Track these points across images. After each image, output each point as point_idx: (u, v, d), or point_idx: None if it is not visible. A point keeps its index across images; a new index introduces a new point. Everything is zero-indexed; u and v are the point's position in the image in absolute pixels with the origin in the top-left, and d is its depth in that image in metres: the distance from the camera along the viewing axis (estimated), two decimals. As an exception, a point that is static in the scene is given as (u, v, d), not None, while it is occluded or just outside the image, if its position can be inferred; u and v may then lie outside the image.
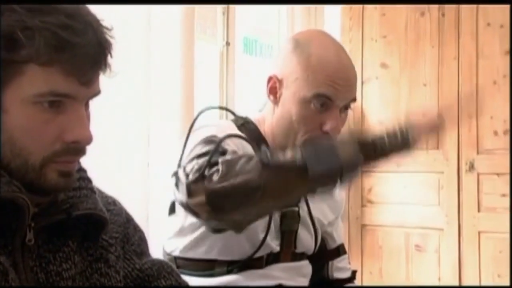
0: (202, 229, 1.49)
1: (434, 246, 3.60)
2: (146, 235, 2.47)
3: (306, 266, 1.62)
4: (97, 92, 0.96)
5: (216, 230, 1.33)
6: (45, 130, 0.90)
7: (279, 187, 1.20)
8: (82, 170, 1.05)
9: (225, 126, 1.53)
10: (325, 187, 1.23)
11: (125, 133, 2.42)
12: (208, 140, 1.36)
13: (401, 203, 3.70)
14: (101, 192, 1.13)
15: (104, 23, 0.95)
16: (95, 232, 1.03)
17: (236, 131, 1.51)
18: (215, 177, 1.20)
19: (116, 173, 2.38)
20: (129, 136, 2.44)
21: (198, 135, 1.43)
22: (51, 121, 0.90)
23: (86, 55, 0.90)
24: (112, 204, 1.14)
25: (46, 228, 0.96)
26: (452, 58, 3.60)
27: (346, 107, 1.51)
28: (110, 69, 0.96)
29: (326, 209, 1.65)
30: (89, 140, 0.94)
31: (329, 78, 1.46)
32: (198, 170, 1.23)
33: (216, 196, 1.19)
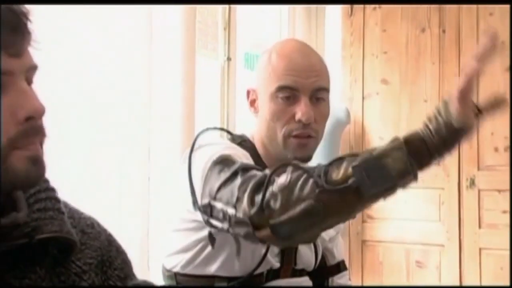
0: (202, 245, 1.49)
1: (435, 262, 3.58)
2: (146, 249, 2.48)
3: (306, 282, 1.61)
4: (32, 65, 0.90)
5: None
6: None
7: (338, 209, 1.21)
8: (49, 189, 0.98)
9: (227, 143, 1.54)
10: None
11: (126, 147, 2.42)
12: (221, 160, 1.37)
13: (401, 219, 3.69)
14: (78, 213, 1.06)
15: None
16: (64, 257, 0.96)
17: (238, 148, 1.52)
18: (276, 206, 1.21)
19: (116, 188, 2.38)
20: (130, 151, 2.43)
21: (204, 155, 1.43)
22: None
23: (3, 24, 0.85)
24: (90, 226, 1.06)
25: (9, 253, 0.89)
26: (453, 75, 3.60)
27: (318, 98, 1.51)
28: (34, 38, 0.91)
29: None
30: (41, 111, 0.87)
31: (288, 69, 1.50)
32: (251, 201, 1.24)
33: (281, 228, 1.21)
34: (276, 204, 1.21)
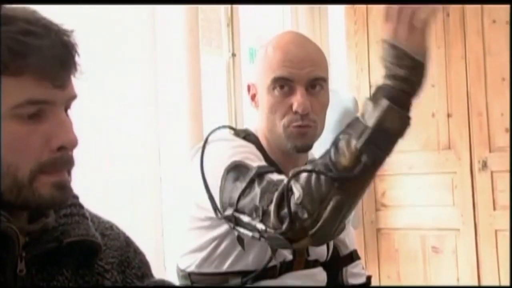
0: (216, 243, 1.50)
1: (451, 247, 3.57)
2: (161, 249, 2.48)
3: (320, 274, 1.61)
4: (73, 96, 0.94)
5: None
6: (29, 142, 0.88)
7: (361, 189, 1.25)
8: (73, 196, 1.03)
9: (236, 140, 1.54)
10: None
11: (136, 149, 2.43)
12: (234, 167, 1.38)
13: (415, 205, 3.68)
14: (97, 218, 1.11)
15: (65, 26, 0.93)
16: (89, 258, 1.01)
17: (246, 143, 1.53)
18: (304, 215, 1.22)
19: (129, 190, 2.38)
20: (140, 152, 2.44)
21: (214, 157, 1.45)
22: (34, 132, 0.89)
23: (53, 57, 0.88)
24: (109, 229, 1.12)
25: (39, 257, 0.94)
26: (459, 58, 3.59)
27: (314, 87, 1.52)
28: (80, 70, 0.95)
29: None
30: (74, 143, 0.92)
31: (282, 60, 1.51)
32: (278, 216, 1.25)
33: (321, 234, 1.24)
34: (304, 214, 1.22)
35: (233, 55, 3.06)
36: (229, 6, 3.05)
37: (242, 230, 1.34)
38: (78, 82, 0.95)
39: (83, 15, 2.13)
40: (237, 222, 1.34)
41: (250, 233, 1.32)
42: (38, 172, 0.89)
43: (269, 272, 1.51)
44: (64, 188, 0.93)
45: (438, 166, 3.62)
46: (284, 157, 1.56)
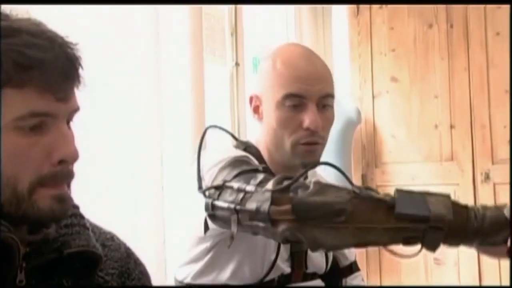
0: (212, 255, 1.49)
1: (453, 259, 3.56)
2: (162, 258, 2.47)
3: (318, 285, 1.61)
4: (76, 108, 0.95)
5: (287, 240, 1.27)
6: (30, 155, 0.88)
7: (363, 218, 1.19)
8: (74, 207, 1.03)
9: (237, 151, 1.54)
10: (411, 235, 1.22)
11: (138, 158, 2.43)
12: (239, 159, 1.41)
13: (417, 216, 3.66)
14: (98, 228, 1.11)
15: (69, 38, 0.94)
16: (89, 269, 1.00)
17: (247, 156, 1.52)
18: (303, 193, 1.19)
19: (131, 198, 2.38)
20: (142, 161, 2.44)
21: (216, 156, 1.44)
22: (35, 145, 0.89)
23: (56, 70, 0.89)
24: (110, 239, 1.11)
25: (39, 268, 0.93)
26: (462, 69, 3.59)
27: (324, 104, 1.51)
28: (83, 83, 0.95)
29: None
30: (75, 156, 0.92)
31: (294, 76, 1.49)
32: (278, 182, 1.22)
33: (303, 207, 1.18)
34: (304, 192, 1.19)
35: (237, 64, 3.06)
36: (233, 13, 3.05)
37: (220, 203, 1.27)
38: (82, 89, 0.96)
39: (87, 24, 2.14)
40: (220, 194, 1.29)
41: (226, 205, 1.26)
42: (37, 185, 0.89)
43: (266, 285, 1.51)
44: (64, 201, 0.92)
45: (440, 178, 3.62)
46: (286, 171, 1.53)
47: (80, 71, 0.93)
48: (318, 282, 1.61)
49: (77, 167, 0.95)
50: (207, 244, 1.49)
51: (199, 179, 1.39)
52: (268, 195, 1.20)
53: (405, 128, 3.71)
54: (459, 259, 3.54)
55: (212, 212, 1.31)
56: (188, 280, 1.54)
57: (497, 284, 3.41)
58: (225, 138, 1.66)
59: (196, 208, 1.46)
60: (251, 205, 1.22)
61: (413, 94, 3.72)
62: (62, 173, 0.91)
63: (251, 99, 1.59)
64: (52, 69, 0.88)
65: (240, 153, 1.51)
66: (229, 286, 1.50)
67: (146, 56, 2.49)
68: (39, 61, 0.87)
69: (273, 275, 1.51)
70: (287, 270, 1.53)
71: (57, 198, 0.91)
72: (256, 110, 1.58)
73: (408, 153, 3.71)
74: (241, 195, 1.25)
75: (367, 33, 3.87)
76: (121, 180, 2.34)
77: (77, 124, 0.98)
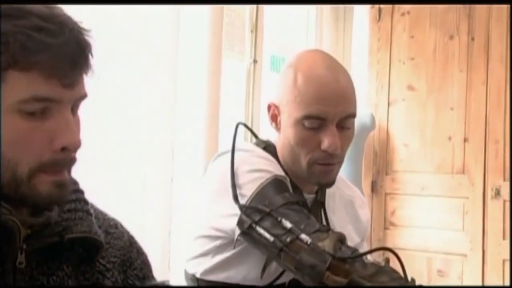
0: (226, 254, 1.49)
1: (457, 272, 3.55)
2: (167, 249, 2.48)
3: None
4: (82, 95, 0.93)
5: None
6: (31, 140, 0.87)
7: None
8: (78, 191, 1.02)
9: (261, 154, 1.53)
10: None
11: (150, 148, 2.43)
12: (278, 181, 1.42)
13: (424, 227, 3.66)
14: (103, 214, 1.10)
15: (82, 24, 0.92)
16: (90, 255, 1.00)
17: (272, 160, 1.52)
18: (361, 268, 1.28)
19: (140, 188, 2.39)
20: (154, 151, 2.44)
21: (246, 165, 1.44)
22: (37, 130, 0.87)
23: (64, 55, 0.87)
24: (114, 227, 1.10)
25: (39, 251, 0.93)
26: (480, 83, 3.57)
27: (344, 125, 1.46)
28: (92, 70, 0.93)
29: (352, 232, 1.63)
30: (77, 145, 0.90)
31: (315, 97, 1.42)
32: (335, 244, 1.29)
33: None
34: (362, 270, 1.26)
35: (255, 61, 3.06)
36: (254, 10, 3.05)
37: (261, 231, 1.32)
38: (96, 79, 0.95)
39: (107, 14, 2.14)
40: (262, 220, 1.33)
41: (271, 238, 1.31)
42: (37, 171, 0.88)
43: (277, 287, 1.50)
44: (63, 187, 0.91)
45: (450, 190, 3.60)
46: (301, 182, 1.53)
47: (90, 58, 0.91)
48: None
49: (89, 154, 0.94)
50: (221, 242, 1.49)
51: (234, 187, 1.40)
52: (327, 258, 1.26)
53: (419, 137, 3.69)
54: (463, 273, 3.53)
55: (247, 231, 1.35)
56: (198, 275, 1.54)
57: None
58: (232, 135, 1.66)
59: (217, 206, 1.46)
60: (305, 259, 1.28)
61: (429, 104, 3.70)
62: (64, 160, 0.90)
63: (269, 107, 1.53)
64: (59, 54, 0.86)
65: (269, 159, 1.50)
66: (240, 286, 1.50)
67: (166, 46, 2.49)
68: (46, 45, 0.85)
69: (285, 278, 1.50)
70: None
71: (57, 184, 0.90)
72: (274, 119, 1.53)
73: (419, 163, 3.69)
74: (290, 237, 1.30)
75: (387, 39, 3.85)
76: (132, 169, 2.35)
77: (92, 111, 0.97)
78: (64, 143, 0.89)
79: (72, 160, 0.92)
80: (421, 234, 3.65)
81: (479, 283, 3.46)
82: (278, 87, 1.52)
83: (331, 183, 1.51)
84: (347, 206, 1.64)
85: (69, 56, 0.87)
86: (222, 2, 2.60)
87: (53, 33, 0.86)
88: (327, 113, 1.42)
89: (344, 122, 1.45)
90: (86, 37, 0.91)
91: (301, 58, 1.51)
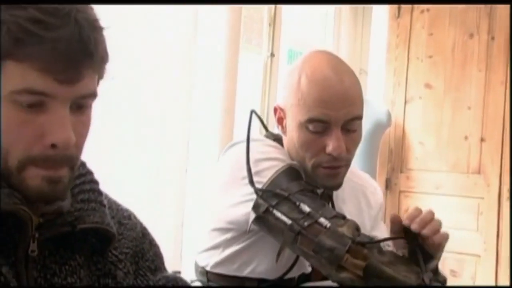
0: (235, 247, 1.49)
1: (470, 272, 3.52)
2: (179, 240, 2.48)
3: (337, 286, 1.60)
4: (86, 93, 0.89)
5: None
6: (22, 131, 0.85)
7: None
8: (93, 182, 1.01)
9: (271, 143, 1.53)
10: None
11: (165, 138, 2.43)
12: (294, 170, 1.43)
13: (438, 226, 3.63)
14: (116, 205, 1.09)
15: (98, 23, 0.89)
16: (102, 246, 0.99)
17: (281, 149, 1.52)
18: (379, 256, 1.30)
19: (154, 179, 2.39)
20: (169, 142, 2.45)
21: (259, 154, 1.44)
22: (30, 122, 0.86)
23: (60, 51, 0.84)
24: (127, 218, 1.10)
25: (52, 240, 0.92)
26: (499, 83, 3.53)
27: (350, 127, 1.43)
28: (100, 68, 0.91)
29: (365, 220, 1.61)
30: (67, 143, 0.87)
31: (318, 100, 1.40)
32: (354, 230, 1.32)
33: (374, 271, 1.28)
34: (379, 257, 1.28)
35: (272, 55, 3.05)
36: (273, 5, 3.04)
37: (279, 214, 1.33)
38: (118, 71, 0.92)
39: (127, 7, 2.14)
40: (279, 204, 1.33)
41: (288, 221, 1.32)
42: (27, 164, 0.87)
43: (286, 282, 1.50)
44: (56, 183, 0.89)
45: (465, 190, 3.57)
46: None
47: (95, 55, 0.88)
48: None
49: (104, 144, 0.93)
50: (231, 234, 1.49)
51: (249, 172, 1.39)
52: (346, 241, 1.28)
53: (435, 136, 3.67)
54: (476, 274, 3.50)
55: (263, 215, 1.35)
56: (208, 268, 1.54)
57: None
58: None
59: (226, 197, 1.46)
60: (324, 241, 1.28)
61: (446, 102, 3.67)
62: (55, 157, 0.87)
63: (275, 110, 1.52)
64: (54, 48, 0.83)
65: (279, 148, 1.51)
66: (250, 279, 1.50)
67: (184, 38, 2.49)
68: (40, 38, 0.83)
69: (294, 273, 1.50)
70: (308, 269, 1.53)
71: (48, 179, 0.88)
72: (280, 122, 1.52)
73: (435, 162, 3.67)
74: (308, 220, 1.31)
75: (406, 36, 3.82)
76: (147, 159, 2.35)
77: (105, 102, 0.96)
78: (54, 140, 0.86)
79: (66, 158, 0.89)
80: (435, 233, 3.62)
81: (492, 284, 3.43)
82: (283, 90, 1.50)
83: (336, 187, 1.50)
84: (359, 195, 1.63)
85: (67, 52, 0.84)
86: (239, 2, 2.59)
87: (50, 26, 0.84)
88: (330, 116, 1.40)
89: (349, 124, 1.43)
90: (96, 34, 0.88)
91: (306, 60, 1.48)
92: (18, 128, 0.86)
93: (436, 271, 1.39)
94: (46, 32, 0.83)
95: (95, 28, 0.89)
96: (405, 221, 1.32)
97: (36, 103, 0.86)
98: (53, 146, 0.87)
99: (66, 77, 0.85)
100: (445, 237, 1.35)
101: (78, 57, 0.86)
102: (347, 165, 1.48)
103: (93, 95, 0.91)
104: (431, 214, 1.34)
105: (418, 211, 1.33)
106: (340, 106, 1.40)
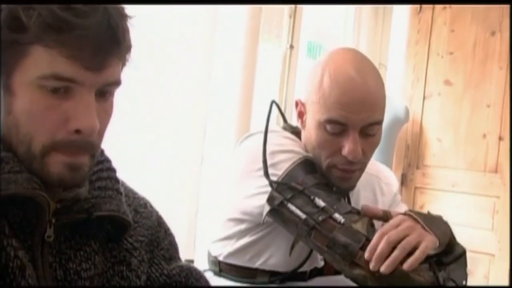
0: (248, 238, 1.49)
1: (483, 271, 3.51)
2: (193, 229, 2.49)
3: (349, 281, 1.60)
4: (112, 81, 0.91)
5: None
6: (48, 116, 0.87)
7: None
8: (110, 170, 1.02)
9: (288, 135, 1.53)
10: None
11: (182, 127, 2.44)
12: (309, 163, 1.43)
13: (453, 223, 3.56)
14: (133, 193, 1.10)
15: (125, 11, 0.90)
16: (118, 233, 1.00)
17: (298, 141, 1.52)
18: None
19: (169, 167, 2.39)
20: (186, 130, 2.45)
21: (276, 146, 1.44)
22: (56, 107, 0.87)
23: (89, 38, 0.85)
24: (143, 206, 1.11)
25: (68, 226, 0.93)
26: (520, 81, 3.50)
27: (368, 132, 1.42)
28: (126, 57, 0.92)
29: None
30: (91, 129, 0.88)
31: (338, 102, 1.38)
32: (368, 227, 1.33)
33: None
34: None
35: (291, 46, 3.04)
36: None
37: (293, 208, 1.33)
38: (137, 61, 0.93)
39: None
40: (293, 197, 1.33)
41: (303, 215, 1.32)
42: (51, 149, 0.88)
43: (297, 276, 1.50)
44: (76, 170, 0.90)
45: (481, 188, 3.55)
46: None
47: (123, 43, 0.89)
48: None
49: (122, 133, 0.94)
50: (245, 225, 1.49)
51: (265, 163, 1.39)
52: (361, 238, 1.28)
53: (453, 133, 3.64)
54: (490, 273, 3.48)
55: (278, 208, 1.35)
56: (220, 258, 1.55)
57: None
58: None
59: (242, 188, 1.46)
60: (339, 237, 1.29)
61: (465, 100, 3.64)
62: (78, 142, 0.89)
63: (296, 103, 1.52)
64: (84, 36, 0.85)
65: (295, 140, 1.51)
66: (262, 271, 1.50)
67: (204, 27, 2.49)
68: (71, 25, 0.84)
69: (307, 267, 1.50)
70: (321, 263, 1.53)
71: (69, 166, 0.89)
72: (300, 116, 1.51)
73: (452, 159, 3.65)
74: (323, 215, 1.31)
75: (427, 32, 3.79)
76: (162, 149, 2.36)
77: (127, 90, 0.96)
78: (79, 126, 0.88)
79: (89, 144, 0.90)
80: (449, 231, 3.60)
81: (506, 283, 3.41)
82: (306, 85, 1.49)
83: (349, 189, 1.49)
84: (374, 187, 1.63)
85: (95, 40, 0.86)
86: (258, 2, 2.58)
87: (81, 14, 0.84)
88: (349, 119, 1.39)
89: (368, 129, 1.41)
90: (123, 23, 0.89)
91: (331, 57, 1.46)
92: (44, 113, 0.87)
93: (451, 247, 1.40)
94: (77, 19, 0.84)
95: (123, 16, 0.90)
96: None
97: (62, 89, 0.87)
98: (77, 131, 0.88)
99: (94, 64, 0.86)
100: (415, 261, 1.25)
101: (107, 44, 0.87)
102: (362, 168, 1.47)
103: (118, 83, 0.92)
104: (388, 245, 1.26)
105: (377, 241, 1.27)
106: (360, 110, 1.38)
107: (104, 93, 0.91)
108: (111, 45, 0.88)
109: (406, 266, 1.23)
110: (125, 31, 0.90)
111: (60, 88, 0.86)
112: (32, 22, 0.83)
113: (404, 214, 1.36)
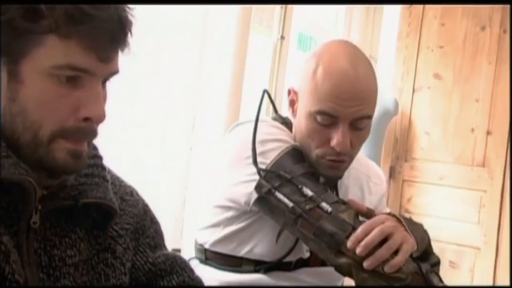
0: (235, 227, 1.49)
1: (469, 264, 3.53)
2: (181, 218, 2.49)
3: (335, 272, 1.60)
4: (115, 71, 0.94)
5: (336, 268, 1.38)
6: (59, 104, 0.88)
7: None
8: (97, 157, 1.03)
9: (277, 125, 1.53)
10: None
11: (171, 117, 2.43)
12: (299, 153, 1.44)
13: (439, 216, 3.64)
14: (119, 181, 1.11)
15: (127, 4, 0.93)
16: (104, 221, 1.01)
17: (286, 131, 1.52)
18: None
19: (158, 155, 2.39)
20: (175, 120, 2.45)
21: (264, 135, 1.45)
22: (67, 96, 0.89)
23: (106, 30, 0.88)
24: (129, 194, 1.11)
25: (54, 212, 0.94)
26: (508, 77, 3.52)
27: (358, 125, 1.42)
28: (129, 48, 0.94)
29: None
30: (101, 117, 0.91)
31: (330, 94, 1.38)
32: (355, 217, 1.35)
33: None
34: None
35: (282, 37, 3.04)
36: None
37: (281, 196, 1.34)
38: (133, 57, 0.96)
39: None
40: (281, 186, 1.34)
41: (290, 204, 1.33)
42: (58, 136, 0.89)
43: (283, 266, 1.51)
44: (79, 157, 0.92)
45: (468, 182, 3.57)
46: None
47: (128, 35, 0.93)
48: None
49: (110, 121, 0.95)
50: (232, 213, 1.49)
51: (254, 151, 1.40)
52: (347, 227, 1.29)
53: (441, 127, 3.66)
54: (475, 265, 3.51)
55: (265, 196, 1.35)
56: (206, 246, 1.55)
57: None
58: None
59: (230, 175, 1.46)
60: (325, 226, 1.30)
61: (454, 94, 3.66)
62: (85, 130, 0.91)
63: (289, 91, 1.52)
64: (101, 28, 0.87)
65: (284, 130, 1.51)
66: (248, 260, 1.51)
67: (194, 16, 2.48)
68: (90, 17, 0.86)
69: (292, 258, 1.50)
70: (307, 254, 1.53)
71: (73, 153, 0.91)
72: (291, 104, 1.51)
73: (440, 153, 3.67)
74: (310, 204, 1.32)
75: (417, 25, 3.80)
76: (151, 137, 2.35)
77: (117, 79, 0.97)
78: (89, 114, 0.90)
79: (93, 132, 0.93)
80: (436, 224, 3.62)
81: (491, 277, 3.45)
82: (299, 74, 1.49)
83: (337, 177, 1.50)
84: (362, 184, 1.64)
85: (110, 32, 0.89)
86: (251, 2, 2.57)
87: (98, 6, 0.87)
88: (339, 112, 1.39)
89: (357, 123, 1.42)
90: (129, 15, 0.92)
91: (325, 49, 1.46)
92: (55, 101, 0.88)
93: (427, 255, 1.43)
94: (95, 10, 0.87)
95: (127, 9, 0.93)
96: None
97: (74, 78, 0.89)
98: (86, 119, 0.90)
99: (106, 56, 0.90)
100: (397, 263, 1.27)
101: (118, 36, 0.91)
102: (350, 159, 1.48)
103: (118, 72, 0.96)
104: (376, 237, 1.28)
105: (363, 233, 1.28)
106: (351, 104, 1.39)
107: (104, 82, 0.94)
108: (121, 37, 0.91)
109: (387, 268, 1.26)
110: (131, 23, 0.93)
111: (72, 77, 0.88)
112: (53, 13, 0.85)
113: (388, 214, 1.38)
